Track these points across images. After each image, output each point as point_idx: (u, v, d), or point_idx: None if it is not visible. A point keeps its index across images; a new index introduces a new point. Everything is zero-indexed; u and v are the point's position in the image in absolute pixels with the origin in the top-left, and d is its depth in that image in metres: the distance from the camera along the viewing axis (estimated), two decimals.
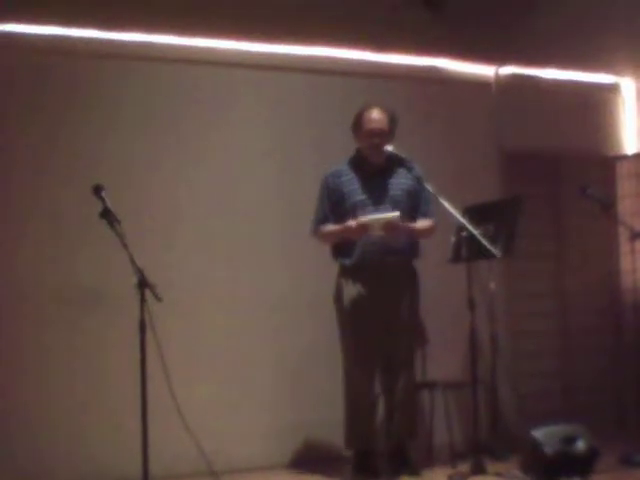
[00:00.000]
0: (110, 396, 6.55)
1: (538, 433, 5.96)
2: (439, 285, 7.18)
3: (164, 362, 5.07)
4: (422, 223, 6.37)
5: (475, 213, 6.60)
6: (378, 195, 6.26)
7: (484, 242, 6.13)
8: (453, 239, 6.68)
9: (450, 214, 6.11)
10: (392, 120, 6.31)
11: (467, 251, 6.31)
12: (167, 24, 6.94)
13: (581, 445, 5.94)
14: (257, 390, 7.07)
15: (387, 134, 6.27)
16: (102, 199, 4.97)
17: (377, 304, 6.24)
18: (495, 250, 6.14)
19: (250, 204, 7.20)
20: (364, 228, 6.05)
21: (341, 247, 6.32)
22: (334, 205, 6.33)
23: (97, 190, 5.00)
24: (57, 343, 6.56)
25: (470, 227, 6.16)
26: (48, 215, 6.60)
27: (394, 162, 6.31)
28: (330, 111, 7.41)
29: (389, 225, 6.02)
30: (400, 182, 6.34)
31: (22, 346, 6.50)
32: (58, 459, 6.46)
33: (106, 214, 4.96)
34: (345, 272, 6.33)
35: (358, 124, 6.32)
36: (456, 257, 6.70)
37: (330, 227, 6.32)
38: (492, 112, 8.07)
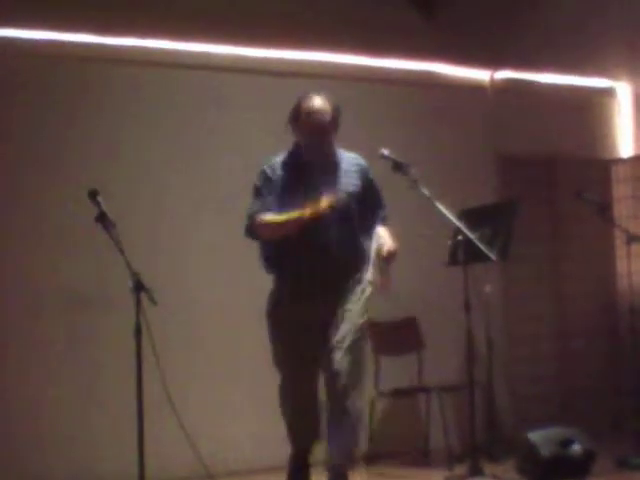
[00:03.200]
0: (107, 398, 6.59)
1: (534, 435, 5.98)
2: (435, 288, 7.20)
3: (160, 366, 5.07)
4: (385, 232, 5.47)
5: (471, 217, 6.61)
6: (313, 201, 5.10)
7: (480, 246, 6.14)
8: (449, 243, 6.69)
9: (446, 218, 6.12)
10: (336, 112, 5.32)
11: (463, 254, 6.30)
12: (177, 30, 6.98)
13: (577, 448, 5.96)
14: (254, 393, 7.07)
15: (330, 129, 5.29)
16: (98, 203, 4.99)
17: (314, 321, 5.21)
18: (491, 254, 6.14)
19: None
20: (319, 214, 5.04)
21: (275, 256, 5.31)
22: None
23: (93, 195, 5.01)
24: (53, 346, 6.61)
25: (466, 231, 6.16)
26: (46, 219, 6.65)
27: (338, 160, 5.37)
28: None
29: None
30: (345, 184, 5.33)
31: (17, 349, 6.54)
32: (57, 460, 6.51)
33: (102, 218, 4.97)
34: (279, 291, 5.37)
35: (296, 115, 5.32)
36: (452, 260, 6.71)
37: (273, 217, 5.20)
38: (488, 116, 8.10)
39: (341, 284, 5.24)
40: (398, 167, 6.18)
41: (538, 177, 8.41)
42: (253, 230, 5.31)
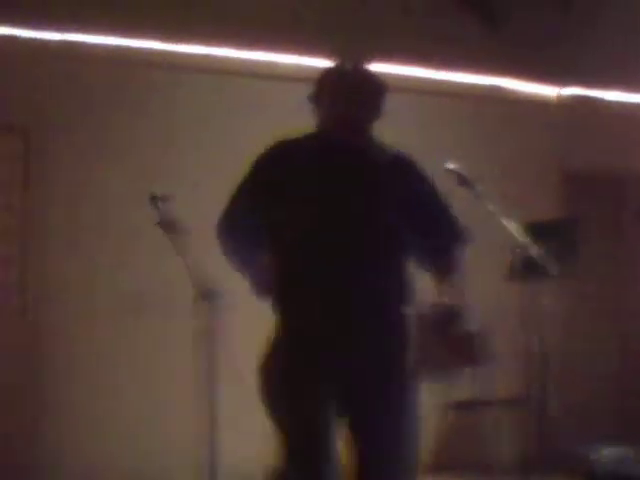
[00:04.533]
0: (164, 402, 6.72)
1: (590, 452, 5.96)
2: (494, 302, 7.19)
3: (226, 369, 5.11)
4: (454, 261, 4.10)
5: (535, 231, 6.60)
6: (344, 211, 3.45)
7: (542, 261, 6.14)
8: (511, 257, 6.69)
9: (507, 231, 6.11)
10: (378, 86, 3.73)
11: (524, 269, 6.30)
12: (223, 37, 7.04)
13: (633, 466, 5.94)
14: None
15: (367, 111, 3.66)
16: (159, 209, 5.02)
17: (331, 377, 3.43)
18: (552, 269, 6.14)
19: None
20: None
21: (278, 280, 3.56)
22: (264, 207, 3.54)
23: (154, 200, 5.04)
24: (112, 348, 6.75)
25: (530, 245, 6.16)
26: (109, 221, 6.79)
27: (376, 158, 3.66)
28: (399, 127, 7.45)
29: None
30: (386, 197, 3.56)
31: (77, 351, 6.70)
32: (122, 453, 6.65)
33: (163, 223, 5.01)
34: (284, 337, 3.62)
35: (320, 87, 3.71)
36: (512, 275, 6.72)
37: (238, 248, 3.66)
38: (554, 132, 8.08)
39: (373, 331, 3.44)
40: (464, 181, 6.19)
41: (605, 195, 8.38)
42: (218, 239, 3.71)
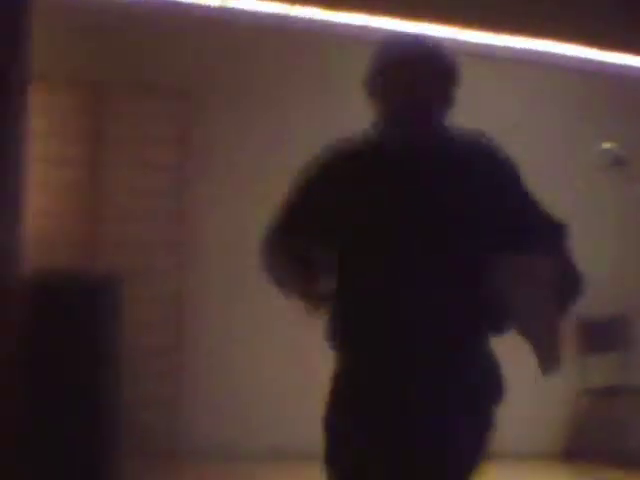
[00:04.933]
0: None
1: None
2: None
3: None
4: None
5: None
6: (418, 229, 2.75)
7: None
8: None
9: None
10: (448, 65, 2.87)
11: None
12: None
13: None
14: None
15: (436, 94, 2.85)
16: None
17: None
18: None
19: None
20: None
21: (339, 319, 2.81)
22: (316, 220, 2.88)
23: None
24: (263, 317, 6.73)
25: None
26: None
27: (451, 151, 2.86)
28: (543, 104, 7.34)
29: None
30: (469, 199, 2.77)
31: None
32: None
33: None
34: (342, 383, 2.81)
35: (376, 69, 2.88)
36: None
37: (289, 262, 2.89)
38: None
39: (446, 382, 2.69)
40: (618, 162, 6.01)
41: None
42: (261, 258, 2.96)
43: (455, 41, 7.14)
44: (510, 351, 6.90)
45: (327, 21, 6.89)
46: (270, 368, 6.69)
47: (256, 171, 6.77)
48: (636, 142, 7.16)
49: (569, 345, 7.09)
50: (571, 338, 7.11)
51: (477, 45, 7.21)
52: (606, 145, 5.87)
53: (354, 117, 6.61)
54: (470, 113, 7.06)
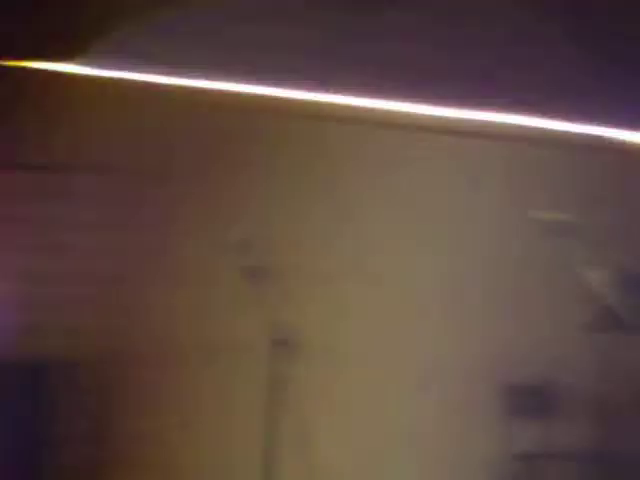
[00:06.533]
0: (235, 454, 6.55)
1: None
2: (576, 353, 7.00)
3: (300, 426, 4.99)
4: None
5: (625, 283, 6.39)
6: None
7: (628, 314, 5.95)
8: (597, 308, 6.47)
9: (597, 283, 5.92)
10: None
11: (609, 322, 6.12)
12: (340, 83, 6.93)
13: None
14: (394, 455, 6.97)
15: None
16: (248, 255, 4.95)
17: None
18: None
19: (401, 266, 7.14)
20: None
21: None
22: None
23: (243, 245, 4.97)
24: (192, 393, 6.65)
25: (616, 297, 5.96)
26: (193, 267, 6.67)
27: None
28: (499, 175, 7.34)
29: None
30: None
31: (155, 397, 6.60)
32: None
33: (251, 270, 4.93)
34: None
35: None
36: (597, 327, 6.50)
37: None
38: None
39: None
40: (556, 230, 6.05)
41: None
42: None
43: (391, 113, 7.17)
44: (437, 411, 6.90)
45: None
46: None
47: None
48: (585, 210, 7.26)
49: (493, 410, 7.06)
50: (495, 403, 7.08)
51: (411, 116, 7.20)
52: (544, 214, 5.92)
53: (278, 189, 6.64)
54: (407, 185, 7.13)
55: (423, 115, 7.21)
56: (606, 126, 7.80)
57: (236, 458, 6.52)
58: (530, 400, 7.43)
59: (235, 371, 6.55)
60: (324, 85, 6.83)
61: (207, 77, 6.68)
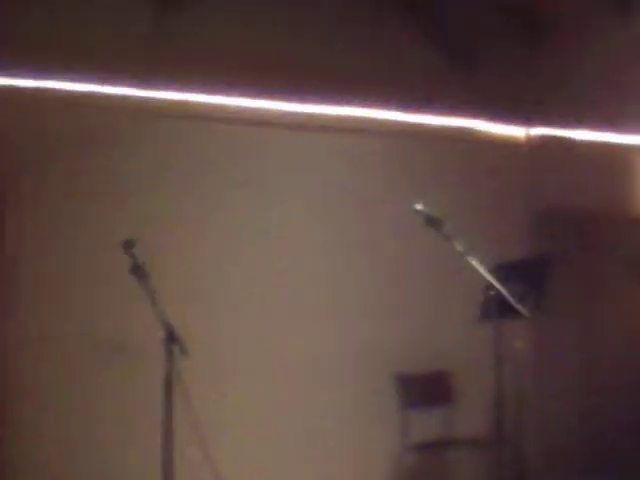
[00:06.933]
0: (138, 447, 6.59)
1: None
2: (466, 342, 7.19)
3: (191, 415, 5.08)
4: None
5: (504, 271, 6.59)
6: None
7: (512, 301, 6.12)
8: (482, 297, 6.67)
9: (479, 272, 6.10)
10: None
11: (495, 310, 6.29)
12: (201, 82, 7.05)
13: None
14: (287, 444, 7.09)
15: None
16: (132, 255, 5.00)
17: None
18: (524, 310, 6.12)
19: (281, 260, 7.27)
20: None
21: None
22: None
23: (127, 245, 5.03)
24: (84, 394, 6.65)
25: (499, 286, 6.14)
26: (79, 268, 6.68)
27: None
28: (367, 170, 7.50)
29: None
30: None
31: (43, 395, 6.61)
32: None
33: (136, 269, 4.99)
34: None
35: None
36: (484, 315, 6.69)
37: None
38: (523, 172, 8.13)
39: None
40: (431, 222, 6.20)
41: (573, 233, 8.40)
42: None
43: (281, 111, 7.33)
44: (333, 406, 7.04)
45: (129, 96, 6.93)
46: None
47: None
48: (454, 200, 7.46)
49: (391, 401, 7.23)
50: (392, 394, 7.25)
51: (295, 114, 7.37)
52: (418, 206, 6.07)
53: (157, 189, 6.72)
54: (300, 180, 7.27)
55: (291, 113, 7.39)
56: (470, 118, 8.08)
57: (134, 456, 6.59)
58: (426, 390, 7.62)
59: (127, 369, 6.62)
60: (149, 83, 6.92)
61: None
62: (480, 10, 8.16)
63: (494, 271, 6.32)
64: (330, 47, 7.88)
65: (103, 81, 6.84)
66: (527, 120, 8.28)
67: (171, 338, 4.92)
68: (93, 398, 6.67)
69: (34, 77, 6.67)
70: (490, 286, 6.21)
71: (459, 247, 6.08)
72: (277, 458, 7.05)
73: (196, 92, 7.10)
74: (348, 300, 7.24)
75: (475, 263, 6.00)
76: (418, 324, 7.44)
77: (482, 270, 6.03)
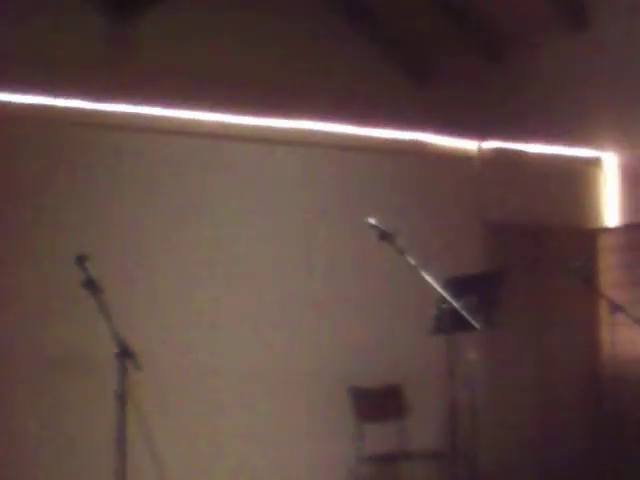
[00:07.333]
0: (89, 463, 6.54)
1: None
2: (420, 356, 7.22)
3: (144, 430, 5.07)
4: None
5: (457, 285, 6.63)
6: None
7: (465, 314, 6.16)
8: (434, 311, 6.71)
9: (431, 286, 6.13)
10: None
11: (448, 323, 6.32)
12: (153, 95, 7.04)
13: None
14: (241, 457, 7.07)
15: None
16: (85, 269, 4.99)
17: None
18: (476, 323, 6.16)
19: (234, 273, 7.26)
20: None
21: None
22: None
23: (80, 260, 5.02)
24: (35, 410, 6.56)
25: (451, 299, 6.18)
26: (30, 282, 6.63)
27: None
28: (321, 183, 7.52)
29: None
30: None
31: None
32: None
33: (89, 284, 4.98)
34: None
35: None
36: (437, 329, 6.73)
37: None
38: (475, 185, 8.18)
39: None
40: (384, 236, 6.23)
41: (525, 246, 8.47)
42: None
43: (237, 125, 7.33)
44: (286, 418, 7.03)
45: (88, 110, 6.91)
46: None
47: None
48: (407, 214, 7.50)
49: (345, 414, 7.24)
50: (347, 407, 7.26)
51: (251, 127, 7.38)
52: (371, 220, 6.09)
53: (111, 203, 6.67)
54: (254, 193, 7.25)
55: (247, 126, 7.40)
56: (423, 132, 8.13)
57: (87, 469, 6.53)
58: (379, 403, 7.64)
59: (81, 383, 6.52)
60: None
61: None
62: (436, 27, 8.23)
63: (446, 285, 6.36)
64: (288, 61, 7.94)
65: (57, 94, 6.78)
66: (479, 134, 8.34)
67: (124, 353, 4.91)
68: (46, 412, 6.58)
69: None
70: (443, 300, 6.25)
71: (412, 261, 6.11)
72: (229, 469, 7.03)
73: (152, 105, 7.07)
74: (301, 313, 7.23)
75: (428, 277, 6.03)
76: (372, 337, 7.45)
77: (435, 284, 6.06)
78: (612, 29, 8.75)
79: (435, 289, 6.11)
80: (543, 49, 8.98)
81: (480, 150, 8.35)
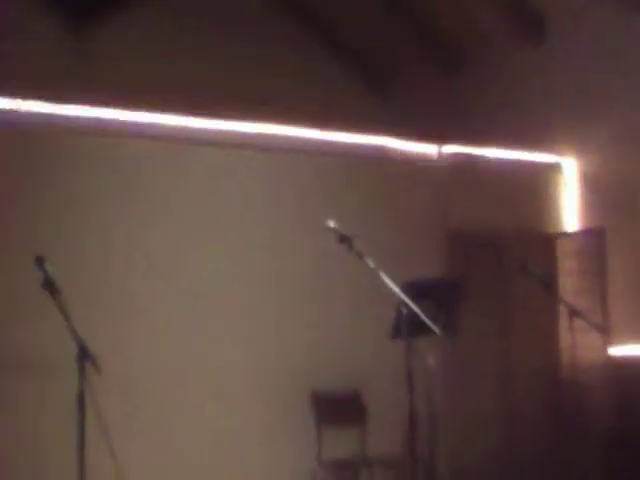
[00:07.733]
0: (49, 466, 6.46)
1: None
2: (378, 361, 7.19)
3: (103, 433, 5.01)
4: None
5: (416, 289, 6.60)
6: None
7: (425, 319, 6.13)
8: (394, 315, 6.67)
9: (391, 290, 6.10)
10: None
11: (407, 328, 6.29)
12: (113, 100, 6.99)
13: None
14: (200, 464, 7.02)
15: None
16: (44, 270, 4.93)
17: None
18: (436, 327, 6.13)
19: (196, 276, 7.21)
20: None
21: None
22: None
23: (39, 261, 4.97)
24: None
25: (411, 303, 6.15)
26: None
27: None
28: (282, 187, 7.50)
29: None
30: None
31: None
32: None
33: (48, 285, 4.92)
34: None
35: None
36: (396, 333, 6.69)
37: None
38: (435, 190, 8.17)
39: None
40: (343, 239, 6.19)
41: (484, 250, 8.47)
42: None
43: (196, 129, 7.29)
44: (245, 422, 6.99)
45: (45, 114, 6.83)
46: None
47: None
48: (367, 218, 7.48)
49: (305, 419, 7.20)
50: (306, 412, 7.22)
51: (211, 131, 7.34)
52: (330, 224, 6.05)
53: (70, 205, 6.62)
54: (213, 197, 7.21)
55: (207, 130, 7.37)
56: (384, 136, 8.12)
57: (48, 470, 6.47)
58: (339, 408, 7.60)
59: (40, 385, 6.46)
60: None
61: None
62: (397, 35, 8.25)
63: (406, 289, 6.32)
64: (248, 67, 7.90)
65: (17, 97, 6.72)
66: (440, 139, 8.34)
67: (83, 354, 4.84)
68: (6, 414, 6.50)
69: None
70: (402, 304, 6.22)
71: (371, 264, 6.07)
72: (188, 472, 6.99)
73: (111, 108, 7.02)
74: (262, 317, 7.19)
75: (387, 281, 5.99)
76: (332, 341, 7.43)
77: (394, 288, 6.03)
78: (569, 40, 8.81)
79: (395, 293, 6.08)
80: (503, 58, 9.02)
81: (440, 155, 8.35)
